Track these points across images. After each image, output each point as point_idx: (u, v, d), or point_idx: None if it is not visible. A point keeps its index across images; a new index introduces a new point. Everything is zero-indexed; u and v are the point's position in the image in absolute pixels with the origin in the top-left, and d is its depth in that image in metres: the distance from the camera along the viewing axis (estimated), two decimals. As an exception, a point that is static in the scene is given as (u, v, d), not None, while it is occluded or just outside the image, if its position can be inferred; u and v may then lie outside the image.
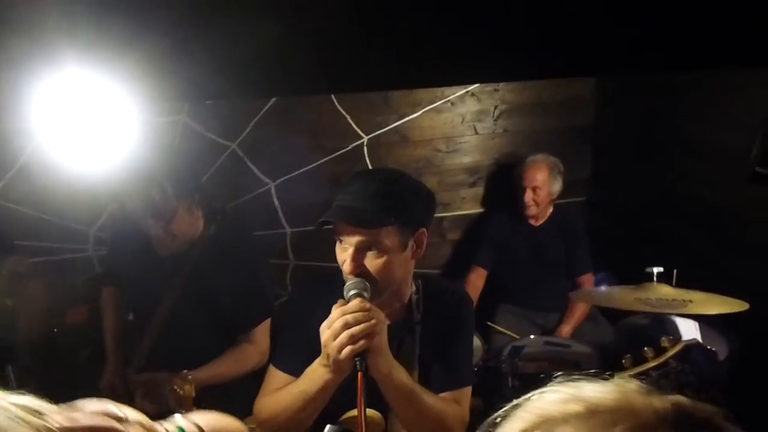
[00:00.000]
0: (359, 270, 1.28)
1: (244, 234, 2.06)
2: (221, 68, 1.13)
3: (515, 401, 0.55)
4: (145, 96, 1.16)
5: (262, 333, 1.94)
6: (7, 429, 0.48)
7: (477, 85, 3.03)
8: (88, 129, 1.48)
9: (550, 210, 2.95)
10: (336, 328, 1.17)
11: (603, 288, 2.30)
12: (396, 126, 3.02)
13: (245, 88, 1.35)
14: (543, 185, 2.84)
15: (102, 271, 2.12)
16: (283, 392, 1.34)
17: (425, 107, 3.04)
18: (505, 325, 2.76)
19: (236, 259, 1.88)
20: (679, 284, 2.06)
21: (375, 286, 1.28)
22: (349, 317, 1.17)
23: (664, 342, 1.39)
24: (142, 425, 0.64)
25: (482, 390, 2.14)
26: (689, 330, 2.13)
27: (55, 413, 0.53)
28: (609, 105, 3.22)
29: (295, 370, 1.34)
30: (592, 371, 0.57)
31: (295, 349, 1.38)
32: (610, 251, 3.09)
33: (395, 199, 1.29)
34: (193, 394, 1.65)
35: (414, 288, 1.47)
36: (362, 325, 1.16)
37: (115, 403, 0.63)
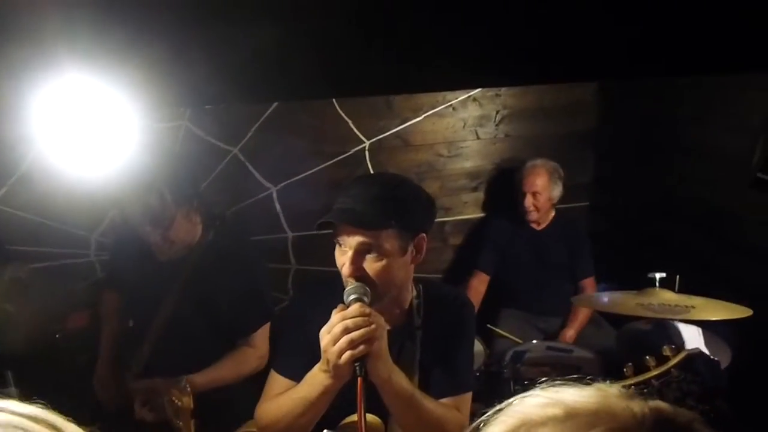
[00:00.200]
0: (358, 273, 1.28)
1: (242, 239, 2.06)
2: (222, 73, 1.13)
3: (498, 406, 0.56)
4: (147, 102, 1.16)
5: (262, 337, 1.94)
6: None
7: (479, 89, 3.03)
8: (89, 135, 1.48)
9: (552, 214, 2.95)
10: (336, 333, 1.16)
11: (604, 297, 2.29)
12: (398, 130, 3.02)
13: (246, 92, 1.35)
14: (543, 190, 2.84)
15: (104, 275, 2.13)
16: (284, 397, 1.34)
17: (427, 112, 3.04)
18: (507, 329, 2.75)
19: (235, 264, 1.88)
20: (682, 290, 2.06)
21: (374, 291, 1.28)
22: (348, 322, 1.17)
23: (666, 351, 1.38)
24: None
25: (484, 395, 2.14)
26: (692, 336, 2.12)
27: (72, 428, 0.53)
28: (611, 109, 3.22)
29: (296, 374, 1.34)
30: (575, 377, 0.57)
31: (296, 353, 1.37)
32: (613, 256, 3.09)
33: (396, 203, 1.29)
34: (191, 406, 1.63)
35: (415, 293, 1.47)
36: (362, 330, 1.16)
37: None
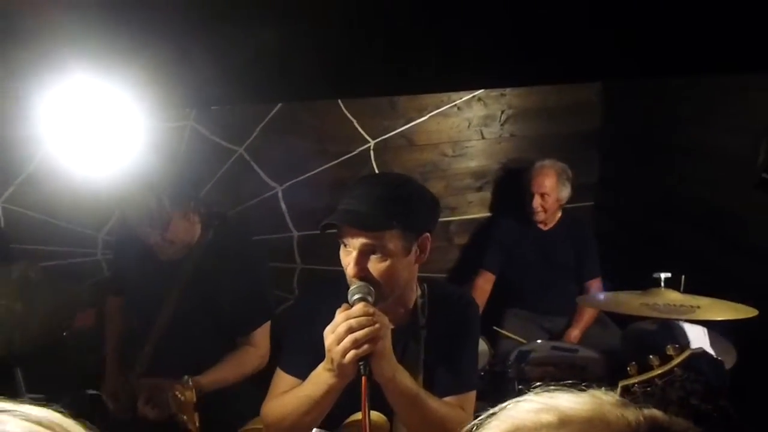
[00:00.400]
0: (363, 273, 1.29)
1: (243, 238, 2.07)
2: (227, 74, 1.14)
3: (491, 410, 0.55)
4: (152, 102, 1.17)
5: (262, 335, 1.95)
6: None
7: (483, 89, 3.03)
8: (96, 135, 1.49)
9: (559, 214, 2.95)
10: (340, 332, 1.17)
11: (609, 297, 2.29)
12: (402, 130, 3.02)
13: (251, 93, 1.36)
14: (551, 191, 2.83)
15: (108, 278, 2.15)
16: (289, 396, 1.35)
17: (432, 111, 3.04)
18: (512, 329, 2.75)
19: (235, 263, 1.89)
20: (687, 290, 2.05)
21: (379, 290, 1.28)
22: (352, 321, 1.17)
23: (670, 350, 1.38)
24: None
25: (488, 394, 2.14)
26: (697, 336, 2.11)
27: None
28: (615, 109, 3.22)
29: (301, 373, 1.35)
30: (570, 382, 0.57)
31: (301, 352, 1.38)
32: (618, 256, 3.08)
33: (399, 203, 1.30)
34: (194, 400, 1.65)
35: (419, 292, 1.47)
36: (366, 330, 1.17)
37: None
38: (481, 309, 1.58)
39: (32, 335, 1.63)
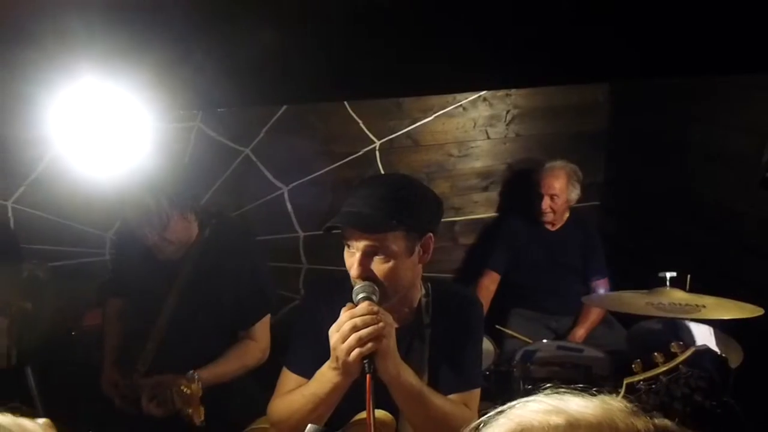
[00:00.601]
0: (366, 274, 1.30)
1: (240, 235, 2.09)
2: (234, 75, 1.15)
3: (499, 408, 0.55)
4: (160, 104, 1.19)
5: (263, 329, 1.98)
6: None
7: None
8: (104, 136, 1.51)
9: (567, 215, 2.94)
10: (344, 330, 1.18)
11: (615, 296, 2.29)
12: (408, 131, 3.03)
13: (258, 95, 1.37)
14: (561, 192, 2.82)
15: (108, 279, 2.17)
16: (295, 394, 1.36)
17: (437, 112, 3.05)
18: (517, 328, 2.76)
19: (233, 259, 1.92)
20: (693, 289, 2.05)
21: (383, 290, 1.30)
22: (357, 320, 1.18)
23: (674, 347, 1.38)
24: None
25: (493, 394, 2.14)
26: (703, 335, 2.11)
27: None
28: (622, 110, 3.21)
29: (307, 372, 1.36)
30: (580, 386, 0.56)
31: (307, 351, 1.39)
32: (623, 255, 3.08)
33: (402, 204, 1.31)
34: (200, 393, 1.68)
35: (423, 291, 1.48)
36: (370, 328, 1.18)
37: None
38: (486, 308, 1.59)
39: (42, 334, 1.65)
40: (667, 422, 0.51)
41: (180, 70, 1.11)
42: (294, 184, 2.92)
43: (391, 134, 3.01)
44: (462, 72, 1.27)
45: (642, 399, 1.29)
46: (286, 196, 2.93)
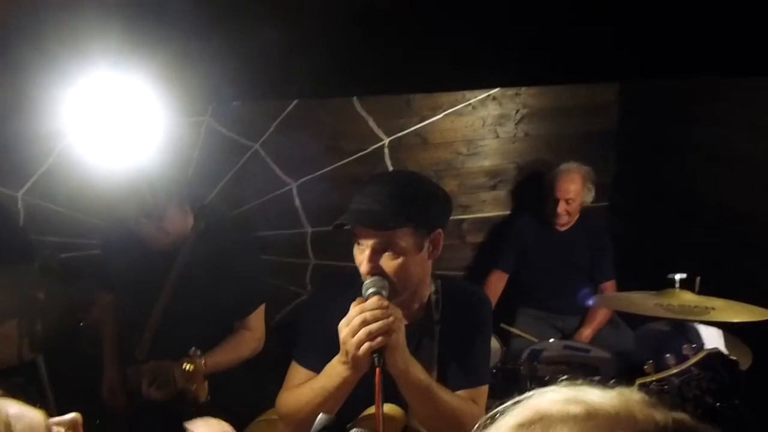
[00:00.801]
0: (376, 271, 1.31)
1: (235, 226, 2.13)
2: (244, 70, 1.16)
3: (516, 398, 0.55)
4: (171, 97, 1.19)
5: (258, 319, 2.02)
6: None
7: (498, 88, 3.02)
8: (115, 129, 1.52)
9: (577, 216, 2.92)
10: (354, 325, 1.19)
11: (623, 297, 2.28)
12: (417, 128, 3.03)
13: (268, 89, 1.37)
14: (576, 196, 2.80)
15: (97, 275, 2.18)
16: (304, 387, 1.37)
17: (446, 110, 3.04)
18: (524, 327, 2.75)
19: (228, 250, 1.94)
20: (702, 291, 2.04)
21: (392, 286, 1.30)
22: (367, 314, 1.19)
23: (686, 350, 1.38)
24: None
25: (500, 392, 2.14)
26: (712, 338, 2.10)
27: None
28: (631, 110, 3.20)
29: (316, 366, 1.37)
30: (596, 379, 0.56)
31: (316, 345, 1.40)
32: (632, 257, 3.07)
33: (410, 201, 1.31)
34: (203, 369, 1.71)
35: (433, 288, 1.49)
36: (380, 322, 1.18)
37: None
38: (493, 307, 1.59)
39: (53, 324, 1.66)
40: (683, 415, 0.51)
41: (191, 65, 1.12)
42: (302, 180, 2.93)
43: (400, 132, 3.00)
44: (471, 70, 1.27)
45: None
46: (294, 191, 2.94)
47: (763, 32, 1.12)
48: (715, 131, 2.63)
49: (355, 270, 1.36)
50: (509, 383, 2.22)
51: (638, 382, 1.32)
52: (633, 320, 2.60)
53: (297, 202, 2.95)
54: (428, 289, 1.47)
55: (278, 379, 1.48)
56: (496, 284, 2.96)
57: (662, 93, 2.98)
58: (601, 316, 2.79)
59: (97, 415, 1.83)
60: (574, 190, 2.79)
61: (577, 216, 2.91)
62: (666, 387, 1.31)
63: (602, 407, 0.51)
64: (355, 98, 2.85)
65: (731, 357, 1.43)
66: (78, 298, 2.13)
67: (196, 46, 1.10)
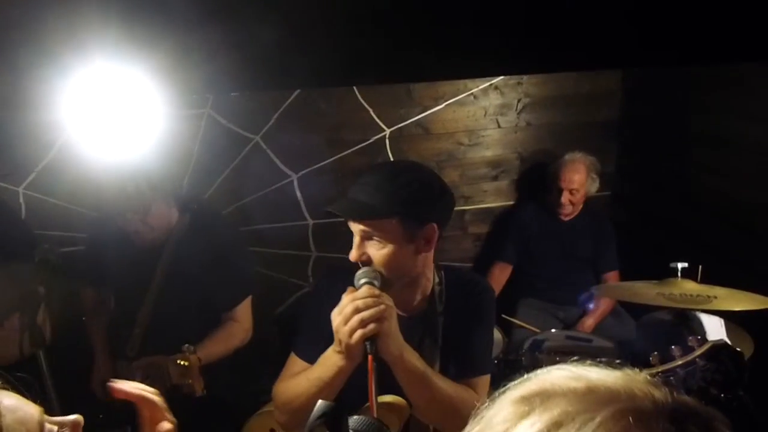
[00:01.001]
0: (362, 258, 1.33)
1: (219, 219, 2.16)
2: (244, 61, 1.15)
3: (527, 375, 0.57)
4: (172, 89, 1.19)
5: (245, 310, 2.05)
6: None
7: (500, 78, 3.01)
8: (115, 122, 1.51)
9: (581, 205, 2.92)
10: (347, 313, 1.20)
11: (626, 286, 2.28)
12: (418, 119, 3.02)
13: (268, 80, 1.36)
14: (580, 187, 2.80)
15: (81, 271, 2.19)
16: (300, 377, 1.38)
17: (448, 100, 3.03)
18: (526, 318, 2.75)
19: (213, 244, 1.97)
20: (704, 280, 2.04)
21: (383, 276, 1.31)
22: (359, 302, 1.21)
23: (692, 341, 1.38)
24: None
25: (502, 383, 2.14)
26: (714, 326, 2.10)
27: None
28: (633, 98, 3.18)
29: (313, 357, 1.38)
30: (605, 360, 0.57)
31: (313, 337, 1.40)
32: (634, 246, 3.06)
33: (399, 191, 1.30)
34: (198, 364, 1.74)
35: (437, 280, 1.48)
36: (372, 310, 1.20)
37: None
38: (495, 296, 1.59)
39: (54, 318, 1.67)
40: (686, 397, 0.52)
41: (191, 56, 1.11)
42: (303, 171, 2.92)
43: (402, 122, 2.99)
44: (472, 57, 1.26)
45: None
46: (295, 183, 2.93)
47: (764, 17, 1.11)
48: (717, 120, 2.62)
49: (356, 263, 1.37)
50: (511, 374, 2.23)
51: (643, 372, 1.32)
52: (635, 310, 2.60)
53: (298, 194, 2.95)
54: (431, 282, 1.47)
55: (279, 373, 1.48)
56: (500, 276, 2.96)
57: (665, 82, 2.96)
58: (603, 306, 2.79)
59: (100, 409, 1.83)
60: (578, 180, 2.79)
61: (581, 206, 2.91)
62: (671, 378, 1.31)
63: (603, 383, 0.52)
64: (355, 89, 2.84)
65: (736, 348, 1.43)
66: (79, 293, 2.14)
67: (196, 37, 1.09)
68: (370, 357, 1.17)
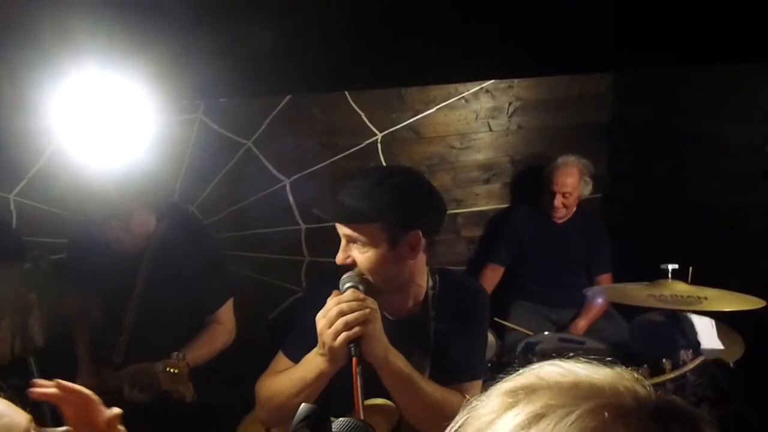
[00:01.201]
0: (346, 261, 1.34)
1: (194, 223, 2.20)
2: (236, 66, 1.15)
3: (521, 370, 0.58)
4: (163, 95, 1.19)
5: (227, 312, 2.08)
6: None
7: (491, 81, 3.02)
8: (107, 128, 1.51)
9: (574, 208, 2.93)
10: (331, 315, 1.21)
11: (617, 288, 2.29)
12: (410, 123, 3.02)
13: (260, 85, 1.37)
14: (573, 190, 2.81)
15: (62, 279, 2.19)
16: (283, 376, 1.39)
17: (439, 104, 3.04)
18: (518, 321, 2.76)
19: (192, 248, 1.99)
20: (695, 281, 2.05)
21: (369, 280, 1.32)
22: (344, 305, 1.21)
23: (684, 355, 1.38)
24: None
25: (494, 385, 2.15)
26: (705, 328, 2.12)
27: None
28: (624, 101, 3.20)
29: (299, 357, 1.38)
30: (607, 358, 0.58)
31: (301, 338, 1.41)
32: (626, 247, 3.08)
33: (381, 196, 1.31)
34: (187, 371, 1.74)
35: (431, 284, 1.48)
36: (356, 313, 1.20)
37: None
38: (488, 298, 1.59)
39: (44, 325, 1.66)
40: (673, 397, 0.53)
41: (183, 61, 1.11)
42: (296, 176, 2.92)
43: (393, 126, 3.00)
44: (463, 61, 1.26)
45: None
46: (287, 188, 2.93)
47: (754, 19, 1.13)
48: (709, 121, 2.64)
49: (348, 267, 1.37)
50: (503, 377, 2.23)
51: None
52: (627, 311, 2.62)
53: (291, 199, 2.95)
54: (423, 287, 1.47)
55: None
56: (491, 277, 2.97)
57: (655, 84, 2.99)
58: (596, 308, 2.80)
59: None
60: (572, 183, 2.80)
61: (575, 208, 2.92)
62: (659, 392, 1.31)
63: (590, 379, 0.53)
64: (347, 93, 2.84)
65: (731, 365, 1.41)
66: (70, 299, 2.12)
67: (188, 43, 1.09)
68: (354, 360, 1.17)
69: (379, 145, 2.99)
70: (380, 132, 2.98)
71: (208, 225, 2.73)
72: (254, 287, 2.91)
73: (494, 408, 0.54)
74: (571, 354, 0.60)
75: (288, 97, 2.77)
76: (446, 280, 1.51)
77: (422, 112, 3.03)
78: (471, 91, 3.06)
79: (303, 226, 2.99)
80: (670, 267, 2.07)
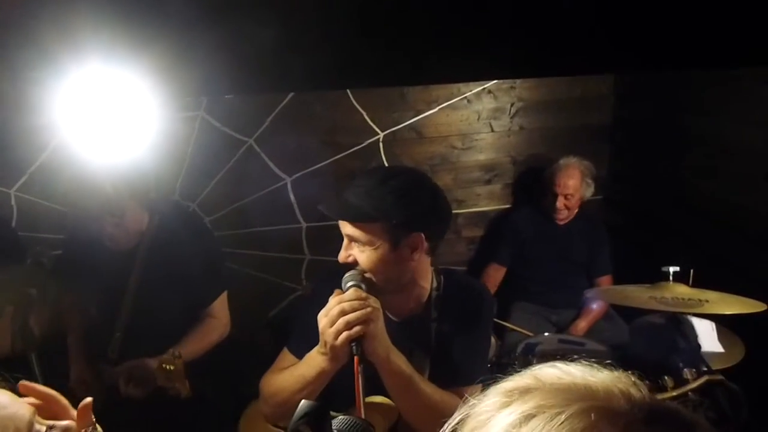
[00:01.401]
0: (348, 260, 1.35)
1: (186, 217, 2.18)
2: (238, 64, 1.15)
3: (521, 371, 0.59)
4: (166, 91, 1.18)
5: (221, 306, 2.08)
6: None
7: (493, 82, 3.02)
8: (109, 124, 1.51)
9: (576, 210, 2.93)
10: (333, 315, 1.22)
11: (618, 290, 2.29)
12: (412, 123, 3.02)
13: (262, 83, 1.36)
14: (575, 192, 2.81)
15: (57, 275, 2.19)
16: (286, 373, 1.40)
17: (441, 104, 3.04)
18: (518, 322, 2.76)
19: (186, 243, 1.99)
20: (696, 284, 2.05)
21: (371, 280, 1.33)
22: (345, 305, 1.22)
23: (687, 373, 1.36)
24: None
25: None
26: (706, 330, 2.11)
27: None
28: (626, 102, 3.20)
29: (303, 354, 1.39)
30: (608, 362, 0.58)
31: (305, 336, 1.41)
32: (627, 249, 3.08)
33: (384, 196, 1.31)
34: (183, 368, 1.75)
35: (435, 284, 1.48)
36: (358, 312, 1.21)
37: None
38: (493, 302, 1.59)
39: (46, 321, 1.66)
40: (668, 402, 0.53)
41: (186, 58, 1.11)
42: (297, 174, 2.92)
43: (395, 126, 3.00)
44: (466, 61, 1.26)
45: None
46: (289, 186, 2.93)
47: (756, 22, 1.12)
48: (711, 123, 2.63)
49: (351, 266, 1.37)
50: (503, 378, 2.23)
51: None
52: (628, 313, 2.61)
53: (292, 197, 2.95)
54: (426, 289, 1.46)
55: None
56: (494, 277, 2.97)
57: (656, 85, 2.98)
58: (596, 310, 2.80)
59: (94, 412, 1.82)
60: (573, 185, 2.80)
61: (576, 210, 2.92)
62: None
63: (586, 381, 0.53)
64: (349, 92, 2.84)
65: (735, 388, 1.39)
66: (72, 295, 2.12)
67: (190, 40, 1.09)
68: (356, 358, 1.18)
69: (380, 145, 2.99)
70: (382, 131, 2.98)
71: (209, 222, 2.74)
72: (254, 285, 2.91)
73: (491, 406, 0.55)
74: (575, 356, 0.60)
75: (290, 96, 2.77)
76: (451, 282, 1.51)
77: (424, 112, 3.03)
78: (473, 92, 3.06)
79: (304, 225, 2.99)
80: (671, 269, 2.07)
